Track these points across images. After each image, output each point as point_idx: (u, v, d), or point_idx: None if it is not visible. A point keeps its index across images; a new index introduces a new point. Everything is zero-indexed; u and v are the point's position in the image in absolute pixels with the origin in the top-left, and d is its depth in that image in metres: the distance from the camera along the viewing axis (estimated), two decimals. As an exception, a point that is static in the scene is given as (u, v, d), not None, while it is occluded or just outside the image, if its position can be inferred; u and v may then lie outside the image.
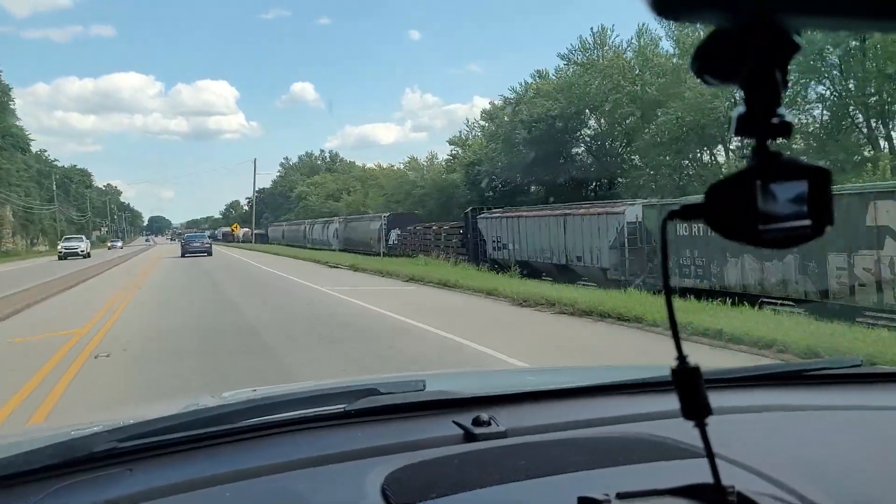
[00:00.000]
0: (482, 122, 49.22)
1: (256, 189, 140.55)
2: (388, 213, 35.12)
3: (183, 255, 39.31)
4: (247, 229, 76.70)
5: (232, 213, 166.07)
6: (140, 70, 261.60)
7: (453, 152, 50.66)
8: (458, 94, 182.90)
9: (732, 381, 1.50)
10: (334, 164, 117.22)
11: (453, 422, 1.22)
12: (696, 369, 0.60)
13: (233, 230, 69.26)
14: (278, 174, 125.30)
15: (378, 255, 31.34)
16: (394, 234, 32.83)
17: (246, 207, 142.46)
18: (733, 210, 0.51)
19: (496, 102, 47.58)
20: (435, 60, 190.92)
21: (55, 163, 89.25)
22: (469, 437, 1.17)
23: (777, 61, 0.49)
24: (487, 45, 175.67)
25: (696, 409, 0.61)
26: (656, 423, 1.20)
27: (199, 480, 1.03)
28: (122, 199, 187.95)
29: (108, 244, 77.23)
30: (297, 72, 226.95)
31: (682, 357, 0.60)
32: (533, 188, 40.92)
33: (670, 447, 1.09)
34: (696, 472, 0.81)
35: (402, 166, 63.08)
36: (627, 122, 34.42)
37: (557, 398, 1.43)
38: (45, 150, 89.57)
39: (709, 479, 0.74)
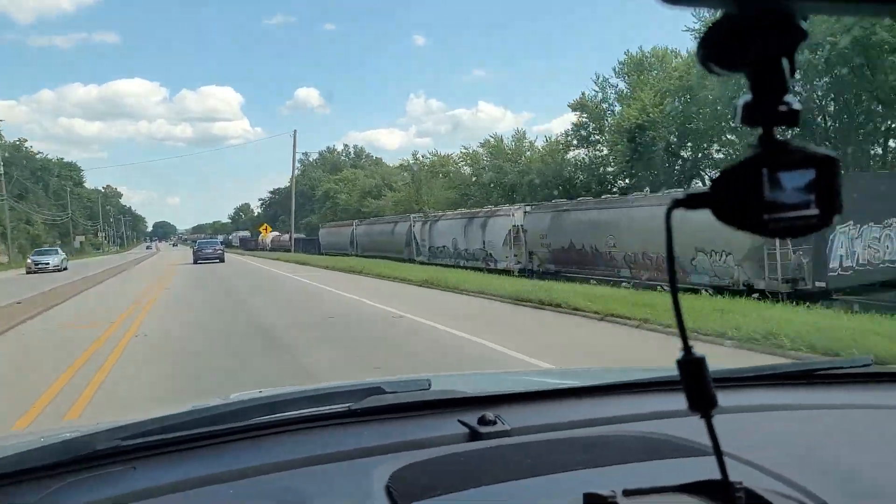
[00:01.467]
0: (614, 80, 34.09)
1: (270, 190, 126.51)
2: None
3: (195, 262, 36.67)
4: (276, 233, 60.14)
5: (241, 217, 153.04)
6: (145, 76, 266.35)
7: (581, 119, 35.45)
8: (464, 99, 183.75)
9: (742, 380, 1.48)
10: (359, 159, 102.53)
11: (458, 421, 1.21)
12: (702, 360, 0.58)
13: (261, 232, 50.43)
14: (298, 170, 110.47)
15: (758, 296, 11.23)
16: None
17: (259, 210, 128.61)
18: (739, 199, 0.50)
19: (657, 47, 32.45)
20: (440, 66, 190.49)
21: (37, 155, 74.40)
22: (474, 435, 1.16)
23: (784, 49, 0.48)
24: (494, 50, 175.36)
25: (701, 401, 0.59)
26: (658, 423, 1.21)
27: (202, 478, 1.02)
28: (127, 204, 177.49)
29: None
30: (302, 77, 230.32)
31: (687, 347, 0.58)
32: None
33: (673, 445, 1.09)
34: (699, 469, 0.84)
35: (477, 150, 47.67)
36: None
37: (561, 398, 1.44)
38: (26, 140, 74.78)
39: (714, 476, 0.75)
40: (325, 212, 79.00)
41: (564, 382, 1.69)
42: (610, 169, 33.07)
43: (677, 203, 0.53)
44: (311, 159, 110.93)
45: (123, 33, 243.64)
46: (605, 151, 34.00)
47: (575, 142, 36.29)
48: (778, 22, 0.47)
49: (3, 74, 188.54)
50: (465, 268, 22.31)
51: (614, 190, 32.29)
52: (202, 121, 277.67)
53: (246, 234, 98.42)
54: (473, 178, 47.65)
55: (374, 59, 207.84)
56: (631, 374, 1.70)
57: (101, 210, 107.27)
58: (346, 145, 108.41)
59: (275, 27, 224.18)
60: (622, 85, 34.35)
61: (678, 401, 1.64)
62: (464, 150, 48.22)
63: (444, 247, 26.33)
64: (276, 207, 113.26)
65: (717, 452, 0.66)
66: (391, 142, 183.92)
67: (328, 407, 1.28)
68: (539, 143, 42.75)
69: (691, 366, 0.58)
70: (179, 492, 0.99)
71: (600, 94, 35.01)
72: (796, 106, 0.49)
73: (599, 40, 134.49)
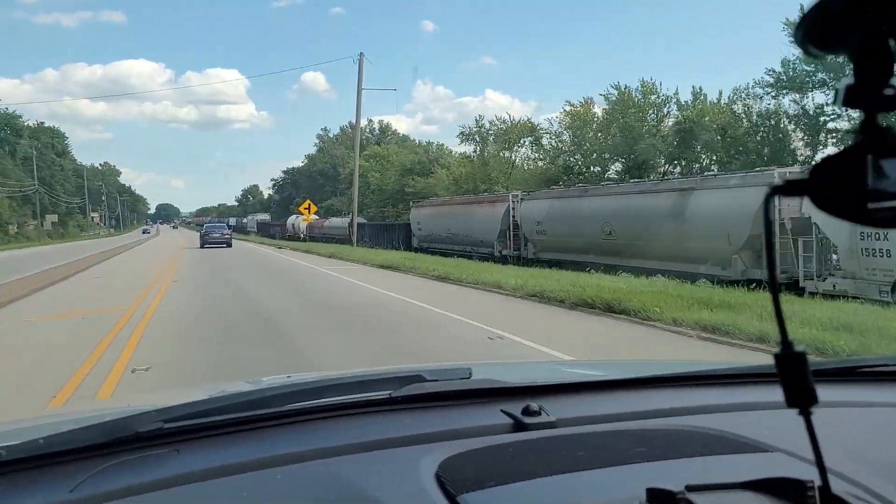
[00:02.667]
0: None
1: (284, 169, 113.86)
2: None
3: (202, 246, 36.00)
4: (316, 217, 45.80)
5: (249, 200, 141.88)
6: (150, 57, 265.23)
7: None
8: (471, 87, 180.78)
9: None
10: (384, 136, 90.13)
11: (501, 410, 1.19)
12: (803, 355, 0.56)
13: (302, 213, 33.88)
14: (315, 146, 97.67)
15: None
16: None
17: (270, 191, 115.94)
18: (841, 187, 0.48)
19: None
20: (448, 52, 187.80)
21: (6, 111, 61.68)
22: (519, 426, 1.14)
23: (892, 27, 0.45)
24: (502, 37, 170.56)
25: (801, 397, 0.56)
26: (710, 417, 1.19)
27: (247, 463, 1.01)
28: (128, 183, 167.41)
29: None
30: (309, 61, 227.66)
31: (786, 342, 0.56)
32: None
33: (730, 441, 1.07)
34: (760, 466, 0.82)
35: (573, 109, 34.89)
36: None
37: (605, 389, 1.41)
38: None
39: (771, 473, 0.77)
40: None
41: (607, 374, 1.65)
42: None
43: (775, 190, 0.51)
44: (330, 135, 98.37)
45: (129, 13, 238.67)
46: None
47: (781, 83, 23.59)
48: None
49: (7, 52, 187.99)
50: None
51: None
52: (207, 103, 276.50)
53: (265, 217, 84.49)
54: (572, 147, 35.03)
55: (381, 44, 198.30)
56: (676, 368, 1.64)
57: (90, 186, 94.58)
58: (369, 120, 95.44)
59: (283, 9, 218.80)
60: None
61: (728, 395, 1.32)
62: (569, 107, 35.32)
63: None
64: (291, 189, 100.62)
65: (816, 450, 0.63)
66: (397, 128, 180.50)
67: (369, 394, 1.26)
68: (683, 95, 29.95)
69: (791, 361, 0.55)
70: (225, 476, 0.97)
71: None
72: None
73: (606, 29, 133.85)
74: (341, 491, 0.94)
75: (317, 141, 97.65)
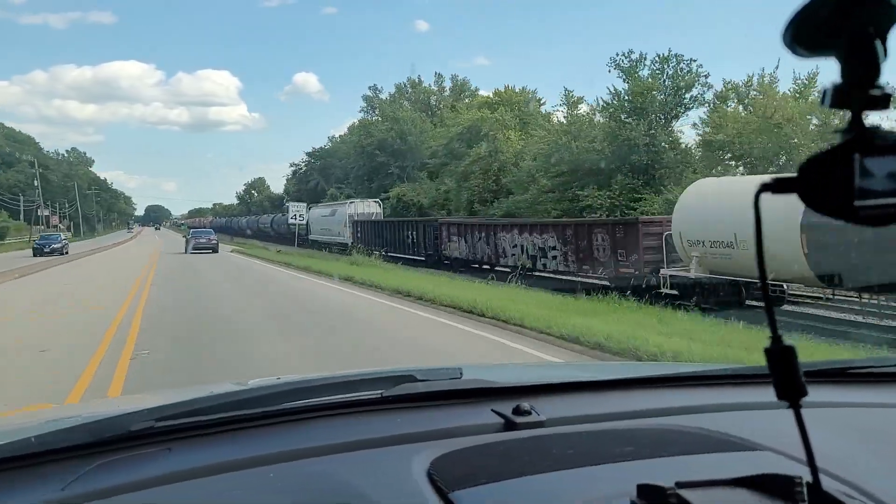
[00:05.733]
0: None
1: (310, 150, 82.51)
2: None
3: (186, 252, 36.06)
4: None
5: (254, 196, 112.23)
6: (140, 58, 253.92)
7: None
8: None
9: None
10: (459, 97, 60.40)
11: (492, 410, 1.20)
12: (791, 348, 0.57)
13: None
14: (362, 112, 67.49)
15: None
16: None
17: (288, 179, 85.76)
18: (829, 184, 0.48)
19: None
20: (441, 52, 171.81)
21: None
22: (509, 425, 1.15)
23: (878, 29, 0.46)
24: (496, 38, 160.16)
25: (790, 390, 0.57)
26: (697, 417, 1.21)
27: (240, 461, 1.02)
28: (113, 183, 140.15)
29: None
30: (301, 62, 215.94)
31: (776, 336, 0.57)
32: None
33: (718, 440, 1.09)
34: (749, 463, 0.84)
35: None
36: None
37: (594, 390, 1.42)
38: None
39: (757, 471, 0.78)
40: (468, 173, 36.15)
41: (596, 375, 1.66)
42: None
43: (765, 187, 0.51)
44: (382, 96, 68.49)
45: (119, 13, 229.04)
46: None
47: None
48: (872, 1, 0.45)
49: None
50: None
51: None
52: (198, 105, 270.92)
53: (372, 209, 36.99)
54: None
55: (374, 44, 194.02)
56: (663, 369, 1.55)
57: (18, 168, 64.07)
58: (438, 74, 65.78)
59: (274, 9, 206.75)
60: None
61: (715, 395, 1.35)
62: None
63: None
64: (317, 177, 70.28)
65: (806, 443, 0.63)
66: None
67: (361, 393, 1.26)
68: None
69: (781, 354, 0.56)
70: (217, 474, 0.98)
71: None
72: (889, 90, 0.47)
73: (602, 30, 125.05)
74: (334, 489, 0.95)
75: (363, 105, 67.55)
